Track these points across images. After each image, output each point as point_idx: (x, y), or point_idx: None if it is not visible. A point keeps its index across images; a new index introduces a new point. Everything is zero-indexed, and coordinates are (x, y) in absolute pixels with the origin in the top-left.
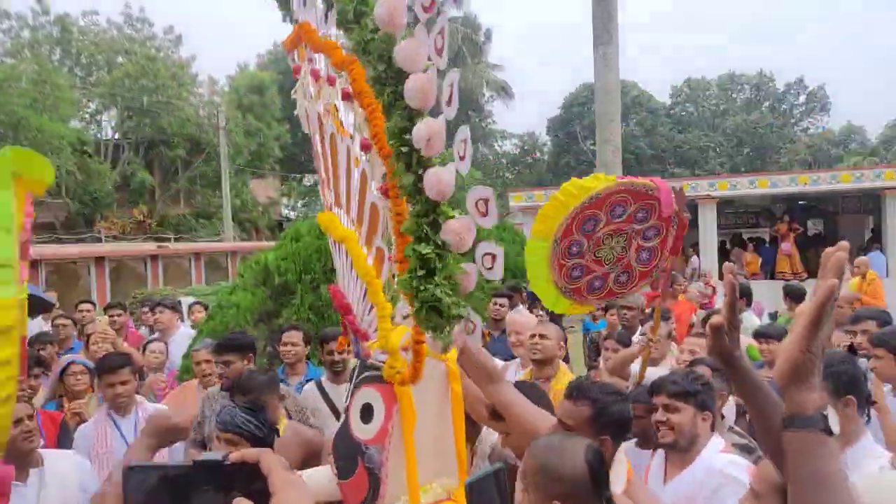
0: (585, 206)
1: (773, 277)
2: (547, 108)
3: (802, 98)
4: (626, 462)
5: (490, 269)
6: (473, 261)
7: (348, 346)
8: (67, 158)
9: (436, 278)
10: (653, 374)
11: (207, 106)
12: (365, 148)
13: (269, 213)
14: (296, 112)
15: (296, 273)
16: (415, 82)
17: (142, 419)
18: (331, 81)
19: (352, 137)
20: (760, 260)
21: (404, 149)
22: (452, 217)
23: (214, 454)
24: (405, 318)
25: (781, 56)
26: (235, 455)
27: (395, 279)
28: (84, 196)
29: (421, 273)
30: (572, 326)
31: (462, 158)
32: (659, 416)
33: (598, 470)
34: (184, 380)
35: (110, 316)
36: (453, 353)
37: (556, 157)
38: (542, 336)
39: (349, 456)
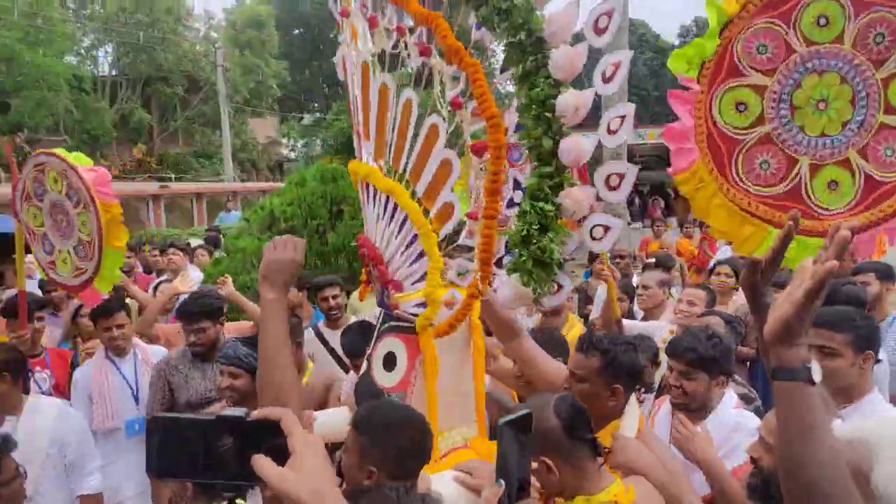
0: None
1: None
2: None
3: None
4: (637, 411)
5: (599, 239)
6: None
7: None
8: (65, 95)
9: (549, 234)
10: (654, 326)
11: (204, 42)
12: (456, 106)
13: (268, 153)
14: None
15: (301, 218)
16: (564, 55)
17: (140, 360)
18: (400, 31)
19: (415, 89)
20: None
21: (547, 114)
22: (575, 185)
23: (237, 410)
24: (460, 275)
25: None
26: (257, 412)
27: (463, 234)
28: (83, 134)
29: (536, 228)
30: (573, 271)
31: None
32: (673, 380)
33: (572, 417)
34: None
35: None
36: (476, 308)
37: None
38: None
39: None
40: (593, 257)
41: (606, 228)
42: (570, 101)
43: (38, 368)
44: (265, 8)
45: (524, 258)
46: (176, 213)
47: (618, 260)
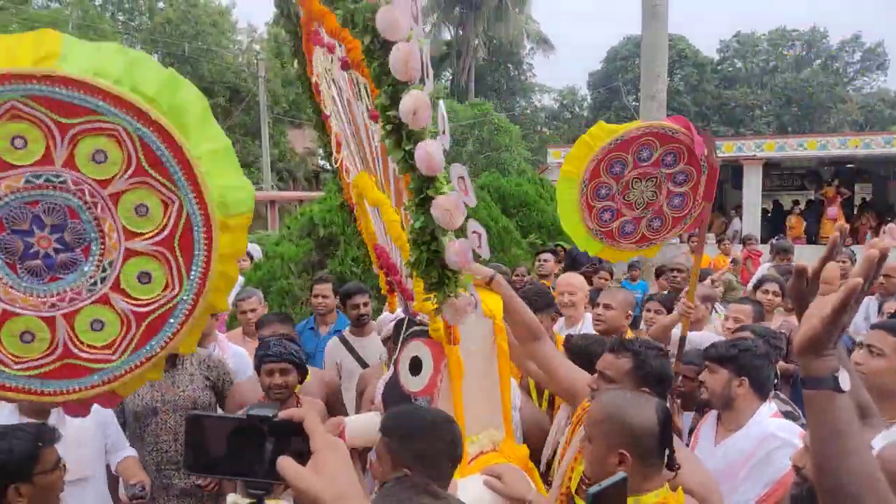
0: (611, 147)
1: (815, 242)
2: (588, 62)
3: (858, 56)
4: None
5: (479, 246)
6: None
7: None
8: None
9: (419, 261)
10: (695, 338)
11: (247, 54)
12: (374, 118)
13: (306, 163)
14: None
15: (340, 226)
16: (398, 53)
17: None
18: (330, 49)
19: (366, 105)
20: (805, 224)
21: (389, 126)
22: (443, 193)
23: (266, 409)
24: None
25: (837, 11)
26: (285, 413)
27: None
28: None
29: (412, 256)
30: (609, 284)
31: (444, 133)
32: (702, 375)
33: (666, 426)
34: (232, 327)
35: None
36: (500, 311)
37: (595, 112)
38: (605, 306)
39: (398, 405)
40: (659, 273)
41: (480, 235)
42: (407, 104)
43: None
44: None
45: (424, 285)
46: None
47: (675, 274)
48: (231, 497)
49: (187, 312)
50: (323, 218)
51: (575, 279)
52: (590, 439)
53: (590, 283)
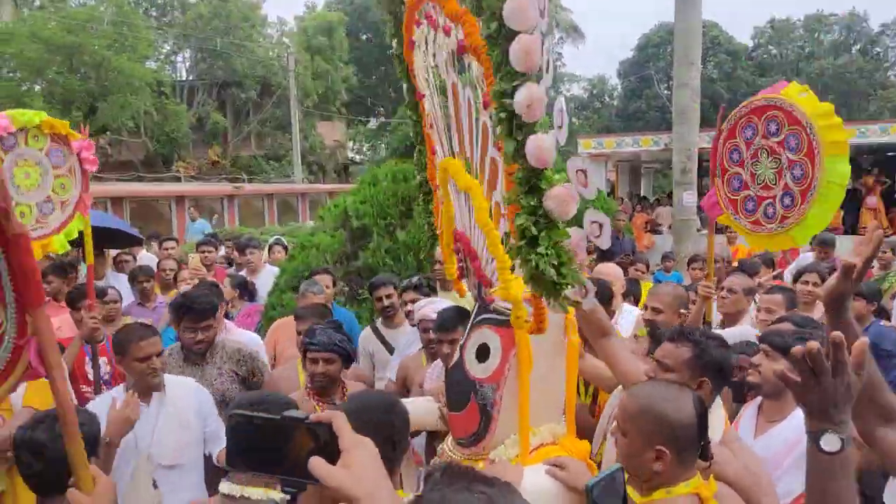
0: (746, 110)
1: (854, 232)
2: (618, 50)
3: None
4: (723, 413)
5: (598, 237)
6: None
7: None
8: (146, 98)
9: (539, 248)
10: (735, 332)
11: (277, 48)
12: (486, 105)
13: (336, 156)
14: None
15: (373, 217)
16: (520, 43)
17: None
18: (446, 31)
19: (476, 89)
20: (843, 213)
21: (504, 114)
22: (555, 184)
23: (299, 413)
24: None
25: None
26: (315, 416)
27: (510, 237)
28: (161, 136)
29: (522, 243)
30: (642, 273)
31: (560, 128)
32: (755, 359)
33: (703, 415)
34: (270, 316)
35: (202, 252)
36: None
37: (626, 101)
38: (654, 310)
39: (462, 390)
40: (691, 261)
41: (601, 225)
42: (524, 97)
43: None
44: (335, 14)
45: (525, 276)
46: (247, 212)
47: (718, 264)
48: (225, 485)
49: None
50: (356, 209)
51: (611, 269)
52: (624, 433)
53: (626, 273)
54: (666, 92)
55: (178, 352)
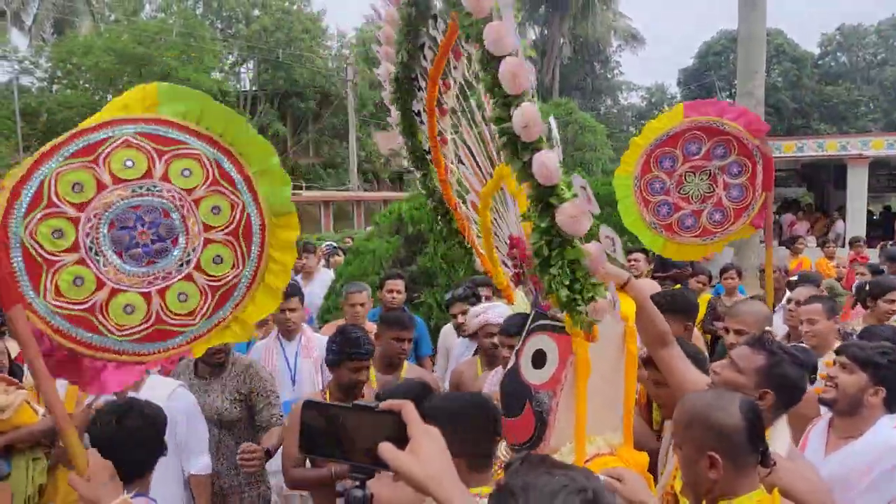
0: (658, 144)
1: None
2: (679, 57)
3: None
4: (788, 431)
5: (613, 251)
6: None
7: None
8: None
9: (552, 269)
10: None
11: (336, 59)
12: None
13: (390, 165)
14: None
15: (428, 223)
16: (507, 66)
17: (303, 346)
18: (456, 56)
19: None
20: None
21: (504, 137)
22: (566, 200)
23: (369, 402)
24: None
25: None
26: (385, 404)
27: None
28: None
29: (537, 262)
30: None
31: (588, 202)
32: (831, 371)
33: (754, 421)
34: (326, 319)
35: None
36: (633, 314)
37: None
38: (737, 332)
39: (517, 396)
40: (724, 270)
41: (613, 240)
42: (519, 119)
43: None
44: None
45: (546, 292)
46: (305, 218)
47: (776, 274)
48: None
49: (248, 285)
50: (411, 216)
51: (645, 284)
52: (679, 445)
53: (684, 285)
54: (728, 101)
55: (190, 364)
